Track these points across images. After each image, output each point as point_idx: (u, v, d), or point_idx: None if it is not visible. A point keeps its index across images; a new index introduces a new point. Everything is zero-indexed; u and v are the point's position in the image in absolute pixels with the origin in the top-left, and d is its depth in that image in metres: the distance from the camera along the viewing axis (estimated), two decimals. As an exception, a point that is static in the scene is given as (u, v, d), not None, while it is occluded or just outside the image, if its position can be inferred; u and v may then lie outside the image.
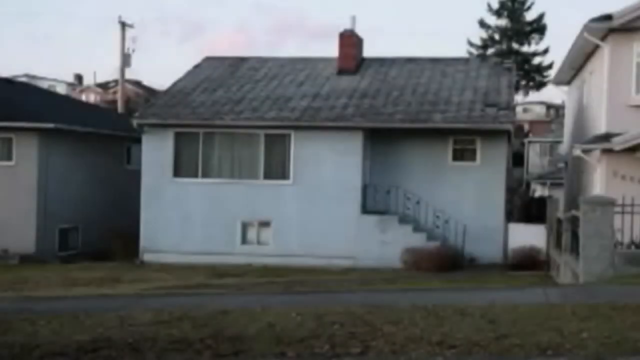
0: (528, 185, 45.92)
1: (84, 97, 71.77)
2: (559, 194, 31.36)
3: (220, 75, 29.76)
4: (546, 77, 56.55)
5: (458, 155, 25.65)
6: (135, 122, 27.51)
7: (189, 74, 30.43)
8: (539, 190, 41.75)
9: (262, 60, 31.22)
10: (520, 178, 47.91)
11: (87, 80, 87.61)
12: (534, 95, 61.64)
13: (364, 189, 25.51)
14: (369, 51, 30.93)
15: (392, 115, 25.77)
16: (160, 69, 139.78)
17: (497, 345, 8.38)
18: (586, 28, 20.86)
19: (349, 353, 8.06)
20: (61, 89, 69.45)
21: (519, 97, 53.85)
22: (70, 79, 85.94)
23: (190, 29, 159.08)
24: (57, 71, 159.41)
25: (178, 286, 19.53)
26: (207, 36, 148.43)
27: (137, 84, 68.68)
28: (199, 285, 19.68)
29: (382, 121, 25.68)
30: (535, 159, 53.89)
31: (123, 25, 43.94)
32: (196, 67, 31.11)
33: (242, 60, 31.49)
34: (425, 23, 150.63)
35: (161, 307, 12.31)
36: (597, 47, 21.66)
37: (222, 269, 23.31)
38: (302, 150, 25.60)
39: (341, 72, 28.88)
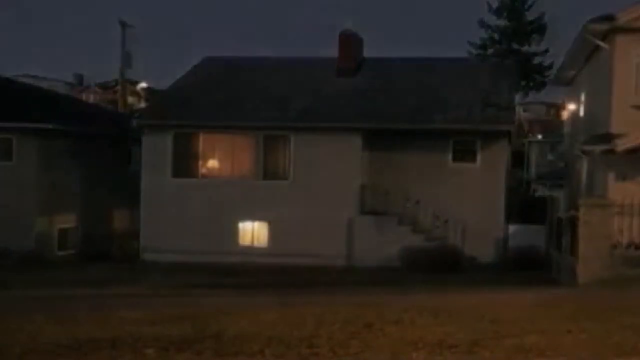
0: (529, 185, 45.90)
1: (84, 97, 71.68)
2: (560, 194, 31.35)
3: (219, 76, 29.73)
4: (546, 77, 56.41)
5: (458, 156, 25.64)
6: (135, 123, 27.52)
7: (188, 74, 30.42)
8: (539, 191, 41.72)
9: (262, 61, 31.18)
10: (521, 178, 47.87)
11: (87, 80, 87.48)
12: (534, 95, 61.52)
13: (363, 189, 25.52)
14: (369, 51, 30.92)
15: (392, 116, 25.76)
16: (161, 69, 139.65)
17: (497, 345, 8.38)
18: (586, 28, 20.81)
19: (348, 353, 8.06)
20: (61, 89, 69.34)
21: (519, 97, 53.84)
22: (71, 79, 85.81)
23: (191, 30, 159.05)
24: (57, 71, 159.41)
25: (178, 286, 19.53)
26: (207, 36, 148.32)
27: (138, 84, 68.61)
28: (199, 285, 19.68)
29: (382, 122, 25.67)
30: (536, 159, 53.89)
31: (123, 25, 43.89)
32: (196, 67, 31.09)
33: (241, 60, 31.45)
34: (426, 23, 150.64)
35: (161, 307, 12.33)
36: (597, 47, 21.61)
37: (221, 268, 23.30)
38: (301, 151, 25.60)
39: (341, 72, 28.81)
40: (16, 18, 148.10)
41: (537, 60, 57.70)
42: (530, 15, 57.06)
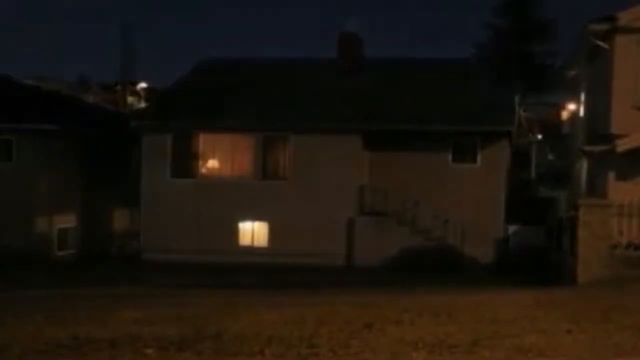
0: (531, 185, 45.82)
1: (85, 97, 71.59)
2: (562, 195, 31.35)
3: (220, 76, 29.72)
4: (547, 77, 56.38)
5: (458, 156, 25.65)
6: (135, 123, 27.53)
7: (188, 74, 30.44)
8: (541, 191, 41.66)
9: (262, 61, 31.17)
10: (523, 178, 47.80)
11: (91, 82, 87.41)
12: (534, 95, 61.46)
13: (363, 189, 25.53)
14: (369, 52, 30.87)
15: (392, 117, 25.76)
16: (162, 69, 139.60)
17: (497, 345, 8.37)
18: (587, 28, 20.83)
19: (348, 353, 8.05)
20: (64, 90, 69.27)
21: (519, 97, 53.82)
22: (73, 79, 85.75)
23: (192, 30, 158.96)
24: (61, 72, 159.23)
25: (177, 286, 19.53)
26: (208, 36, 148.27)
27: (138, 84, 68.64)
28: (199, 285, 19.69)
29: (382, 123, 25.68)
30: (538, 159, 53.79)
31: (125, 26, 43.98)
32: (196, 67, 31.11)
33: (241, 61, 31.45)
34: (427, 23, 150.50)
35: (161, 307, 12.33)
36: (598, 47, 21.60)
37: (221, 268, 23.32)
38: (301, 151, 25.61)
39: (341, 72, 28.80)
40: (19, 17, 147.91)
41: (538, 60, 57.64)
42: (534, 16, 57.00)
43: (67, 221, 28.72)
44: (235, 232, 26.04)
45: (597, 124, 22.16)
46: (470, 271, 22.36)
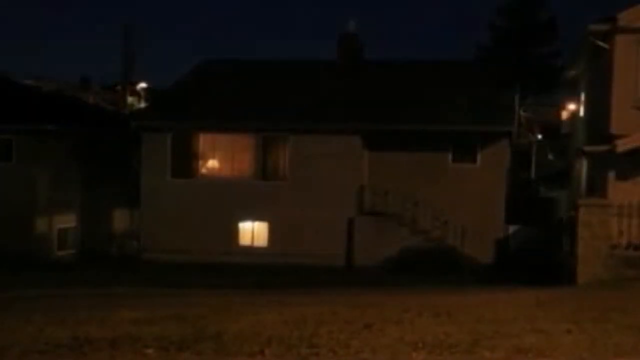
0: (532, 185, 45.82)
1: (86, 98, 71.56)
2: (562, 195, 31.36)
3: (219, 77, 29.75)
4: (551, 78, 56.34)
5: (458, 156, 25.65)
6: (135, 123, 27.54)
7: (188, 74, 30.47)
8: (542, 191, 41.67)
9: (261, 62, 31.22)
10: (525, 178, 47.80)
11: (91, 82, 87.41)
12: (538, 96, 61.50)
13: (363, 189, 25.53)
14: (369, 53, 30.94)
15: (392, 117, 25.77)
16: (162, 69, 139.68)
17: (497, 345, 8.38)
18: (590, 29, 20.85)
19: (349, 353, 8.05)
20: (65, 90, 69.25)
21: (520, 97, 53.83)
22: (75, 80, 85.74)
23: (192, 30, 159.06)
24: (62, 72, 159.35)
25: (177, 286, 19.53)
26: (209, 36, 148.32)
27: (138, 84, 68.64)
28: (198, 285, 19.69)
29: (381, 123, 25.68)
30: (538, 159, 53.82)
31: (126, 26, 43.98)
32: (196, 67, 31.13)
33: (241, 61, 31.49)
34: (431, 24, 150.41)
35: (161, 307, 12.32)
36: (598, 47, 21.62)
37: (221, 268, 23.32)
38: (300, 152, 25.62)
39: (340, 73, 28.85)
40: (21, 17, 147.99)
41: (538, 60, 57.63)
42: (537, 17, 57.00)
43: (67, 221, 28.72)
44: (235, 232, 26.05)
45: (597, 124, 22.16)
46: (470, 271, 22.35)
